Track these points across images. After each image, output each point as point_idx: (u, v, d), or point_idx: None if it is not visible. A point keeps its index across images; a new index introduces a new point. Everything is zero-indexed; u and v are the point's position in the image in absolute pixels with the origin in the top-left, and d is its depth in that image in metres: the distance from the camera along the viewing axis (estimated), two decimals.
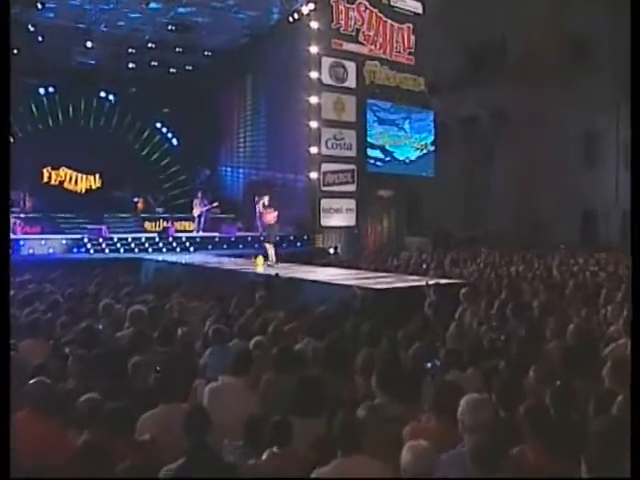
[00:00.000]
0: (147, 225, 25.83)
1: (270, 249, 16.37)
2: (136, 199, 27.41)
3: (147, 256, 18.97)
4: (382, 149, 26.36)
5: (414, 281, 11.13)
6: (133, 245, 21.07)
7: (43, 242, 19.97)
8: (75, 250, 20.19)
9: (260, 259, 14.90)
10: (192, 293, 10.62)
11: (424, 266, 17.18)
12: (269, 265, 15.81)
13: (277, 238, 16.90)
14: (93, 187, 28.15)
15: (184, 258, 18.19)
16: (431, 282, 10.25)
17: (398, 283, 10.62)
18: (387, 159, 26.58)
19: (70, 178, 27.91)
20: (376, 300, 9.49)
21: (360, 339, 6.75)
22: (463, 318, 8.34)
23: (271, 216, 16.85)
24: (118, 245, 20.81)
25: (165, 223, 25.44)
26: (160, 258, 18.31)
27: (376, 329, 6.89)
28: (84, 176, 28.06)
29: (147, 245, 21.34)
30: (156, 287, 11.45)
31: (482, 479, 3.71)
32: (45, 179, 27.27)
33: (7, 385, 4.56)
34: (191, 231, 25.47)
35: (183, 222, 26.65)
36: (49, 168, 27.29)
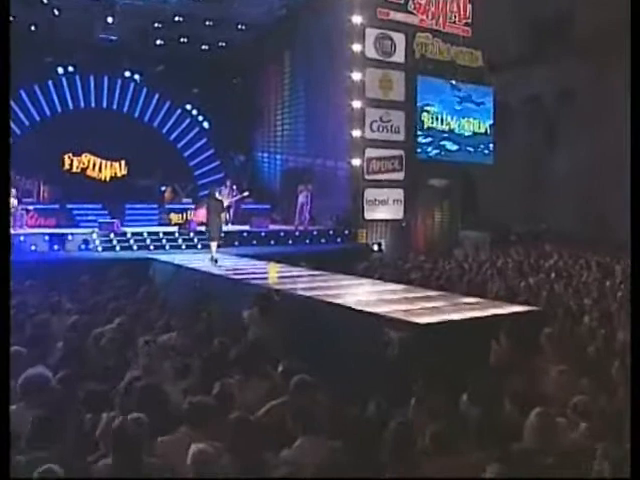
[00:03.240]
0: (173, 217, 23.40)
1: (213, 245, 15.07)
2: (163, 188, 25.12)
3: (159, 255, 16.32)
4: (434, 132, 23.50)
5: (473, 307, 8.20)
6: (148, 241, 18.61)
7: (47, 238, 17.68)
8: (83, 247, 17.88)
9: (274, 267, 12.13)
10: (174, 319, 8.04)
11: (482, 271, 14.36)
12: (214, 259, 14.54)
13: (222, 234, 15.77)
14: (118, 175, 25.86)
15: (197, 259, 15.47)
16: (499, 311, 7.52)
17: (452, 313, 7.71)
18: (440, 144, 23.74)
19: (94, 165, 25.68)
20: (419, 345, 6.72)
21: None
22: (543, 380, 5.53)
23: (200, 214, 16.23)
24: (131, 242, 18.39)
25: (193, 215, 23.02)
26: (166, 259, 15.60)
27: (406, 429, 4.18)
28: (109, 163, 25.78)
29: (164, 241, 18.87)
30: (130, 309, 8.85)
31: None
32: (67, 166, 25.09)
33: (7, 385, 4.55)
34: None
35: None
36: (70, 154, 25.08)
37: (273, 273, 12.01)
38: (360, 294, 9.79)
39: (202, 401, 4.65)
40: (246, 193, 23.05)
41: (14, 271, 13.36)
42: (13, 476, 3.97)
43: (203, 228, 16.71)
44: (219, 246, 15.56)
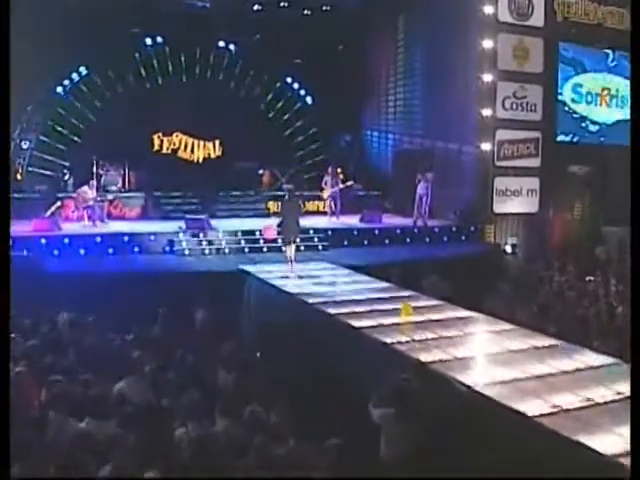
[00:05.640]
0: (271, 205, 20.77)
1: (288, 250, 13.09)
2: (261, 171, 22.48)
3: (254, 267, 13.43)
4: (578, 110, 19.99)
5: None
6: (243, 242, 15.87)
7: (126, 238, 15.19)
8: (168, 249, 15.35)
9: (408, 309, 9.05)
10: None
11: None
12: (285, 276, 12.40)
13: (297, 238, 13.67)
14: (212, 156, 23.27)
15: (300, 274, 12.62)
16: None
17: None
18: (584, 124, 20.23)
19: (185, 145, 23.14)
20: None
21: None
22: None
23: (269, 233, 14.84)
24: (223, 243, 15.71)
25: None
26: (263, 273, 12.62)
27: None
28: (202, 142, 23.20)
29: (262, 242, 16.07)
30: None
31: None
32: (156, 147, 22.66)
33: (7, 385, 4.75)
34: (325, 213, 20.22)
35: (316, 202, 21.42)
36: (160, 134, 22.62)
37: (406, 314, 8.96)
38: (552, 384, 6.54)
39: None
40: (350, 182, 20.04)
41: (82, 290, 11.22)
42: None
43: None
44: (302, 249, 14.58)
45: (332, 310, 9.28)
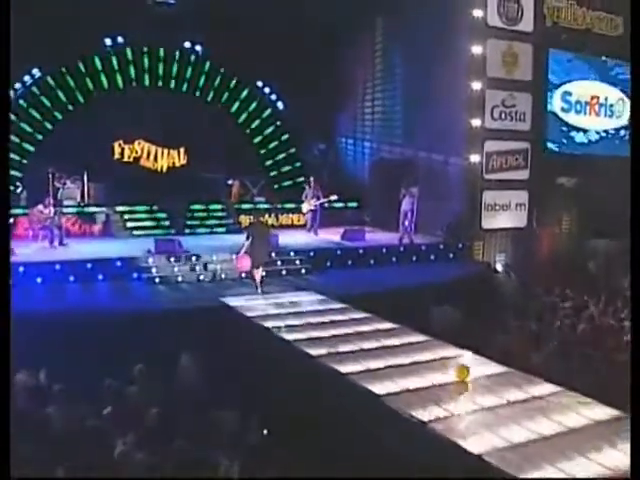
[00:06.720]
0: (243, 220, 19.38)
1: (257, 274, 13.08)
2: (230, 182, 21.01)
3: (239, 300, 12.09)
4: (568, 119, 19.11)
5: None
6: (219, 268, 14.33)
7: (89, 265, 13.57)
8: (135, 276, 13.80)
9: (464, 372, 7.67)
10: None
11: None
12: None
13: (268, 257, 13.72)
14: (177, 164, 21.73)
15: (289, 309, 11.32)
16: None
17: None
18: (572, 133, 19.33)
19: (148, 153, 21.54)
20: None
21: None
22: None
23: (245, 263, 13.03)
24: (197, 269, 14.20)
25: (267, 217, 19.08)
26: (251, 311, 11.29)
27: None
28: (166, 150, 21.64)
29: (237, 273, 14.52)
30: None
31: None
32: (117, 155, 20.99)
33: (7, 385, 4.81)
34: (303, 226, 19.01)
35: (290, 215, 20.20)
36: (121, 142, 20.98)
37: (461, 377, 7.62)
38: None
39: None
40: (334, 197, 18.70)
41: (39, 338, 9.63)
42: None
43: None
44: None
45: (343, 368, 7.97)
